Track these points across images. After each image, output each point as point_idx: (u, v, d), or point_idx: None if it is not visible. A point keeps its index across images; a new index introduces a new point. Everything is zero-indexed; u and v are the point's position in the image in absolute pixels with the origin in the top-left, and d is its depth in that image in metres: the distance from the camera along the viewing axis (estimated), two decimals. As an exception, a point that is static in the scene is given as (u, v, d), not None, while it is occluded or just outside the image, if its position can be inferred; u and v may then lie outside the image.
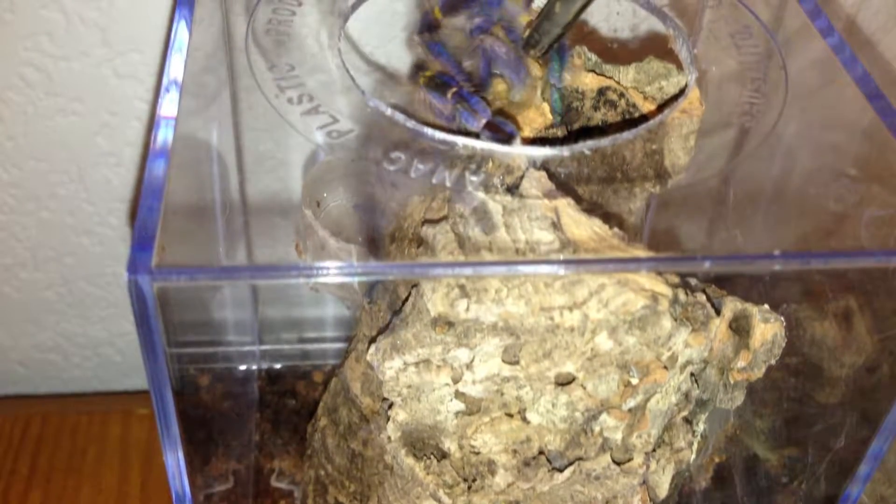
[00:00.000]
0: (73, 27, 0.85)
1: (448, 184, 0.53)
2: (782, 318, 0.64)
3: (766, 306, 0.64)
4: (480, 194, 0.57)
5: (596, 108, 0.64)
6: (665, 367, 0.57)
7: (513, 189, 0.57)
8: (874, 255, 0.50)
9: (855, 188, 0.59)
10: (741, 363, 0.63)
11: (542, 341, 0.56)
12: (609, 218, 0.57)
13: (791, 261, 0.48)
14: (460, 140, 0.54)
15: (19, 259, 0.99)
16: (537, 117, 0.61)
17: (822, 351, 0.69)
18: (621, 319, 0.55)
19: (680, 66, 0.65)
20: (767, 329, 0.63)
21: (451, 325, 0.58)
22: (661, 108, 0.64)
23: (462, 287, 0.57)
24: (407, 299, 0.61)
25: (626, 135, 0.55)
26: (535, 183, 0.57)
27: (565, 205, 0.56)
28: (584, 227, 0.56)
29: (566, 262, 0.50)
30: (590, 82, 0.64)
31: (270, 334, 0.96)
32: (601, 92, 0.64)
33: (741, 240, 0.70)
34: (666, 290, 0.56)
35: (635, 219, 0.65)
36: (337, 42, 0.59)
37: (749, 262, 0.50)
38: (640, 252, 0.57)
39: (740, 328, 0.64)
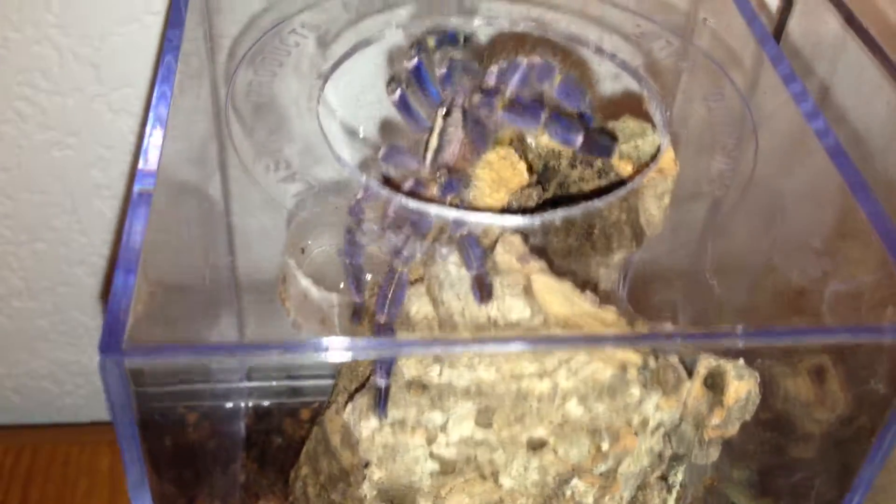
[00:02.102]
0: (66, 63, 0.85)
1: (419, 256, 0.54)
2: (756, 375, 0.64)
3: (741, 361, 0.65)
4: (454, 259, 0.58)
5: (573, 167, 0.65)
6: (635, 434, 0.58)
7: (486, 253, 0.58)
8: (836, 331, 0.50)
9: (819, 261, 0.60)
10: (715, 420, 0.64)
11: (513, 406, 0.57)
12: (581, 282, 0.57)
13: (754, 339, 0.49)
14: (433, 209, 0.54)
15: (14, 289, 1.00)
16: (513, 176, 0.62)
17: (796, 407, 0.69)
18: (591, 387, 0.56)
19: (654, 126, 0.65)
20: (741, 386, 0.63)
21: (425, 387, 0.59)
22: (637, 167, 0.64)
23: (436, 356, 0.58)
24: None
25: (598, 202, 0.56)
26: (508, 247, 0.58)
27: (538, 270, 0.57)
28: (555, 294, 0.56)
29: (535, 341, 0.51)
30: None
31: (258, 371, 0.97)
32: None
33: (717, 291, 0.70)
34: (635, 358, 0.57)
35: (613, 274, 0.65)
36: (315, 105, 0.59)
37: (714, 340, 0.51)
38: (611, 316, 0.57)
39: (715, 385, 0.64)
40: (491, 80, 0.61)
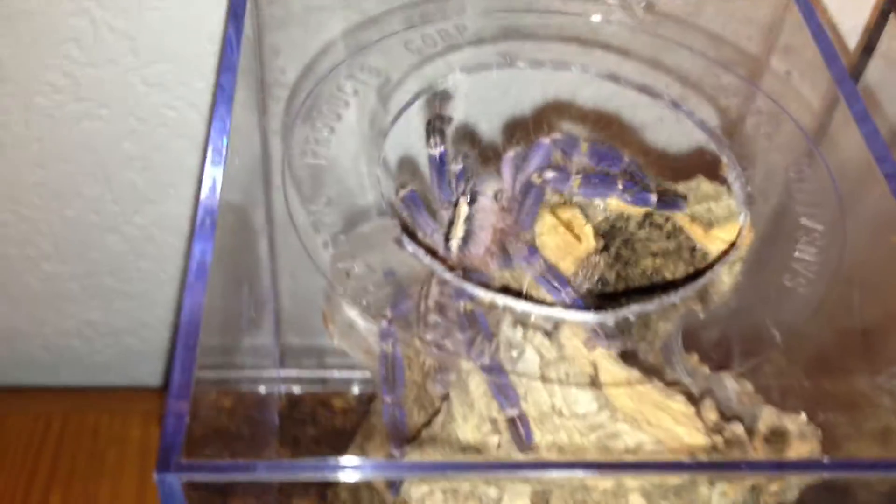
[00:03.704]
0: (101, 36, 0.83)
1: (486, 361, 0.52)
2: (819, 433, 0.63)
3: (804, 417, 0.64)
4: (519, 338, 0.56)
5: (641, 227, 0.63)
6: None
7: (551, 333, 0.56)
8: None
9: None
10: (774, 487, 0.63)
11: (573, 492, 0.56)
12: (649, 370, 0.56)
13: (838, 470, 0.48)
14: (500, 300, 0.53)
15: (44, 253, 0.99)
16: (580, 242, 0.60)
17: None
18: (656, 485, 0.55)
19: (729, 189, 0.63)
20: (803, 446, 0.63)
21: (480, 451, 0.58)
22: (707, 229, 0.62)
23: (494, 421, 0.57)
24: (436, 414, 0.61)
25: (673, 297, 0.54)
26: (575, 330, 0.57)
27: (603, 357, 0.56)
28: (622, 384, 0.55)
29: (600, 467, 0.49)
30: (636, 208, 0.62)
31: (292, 359, 0.97)
32: (647, 216, 0.63)
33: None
34: (704, 443, 0.56)
35: (669, 338, 0.64)
36: (376, 170, 0.57)
37: (792, 471, 0.50)
38: (680, 406, 0.56)
39: (776, 443, 0.63)
40: (507, 166, 0.62)
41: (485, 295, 0.54)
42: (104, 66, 0.85)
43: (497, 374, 0.54)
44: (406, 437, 0.61)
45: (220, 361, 0.73)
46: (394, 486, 0.62)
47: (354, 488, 0.71)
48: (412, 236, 0.59)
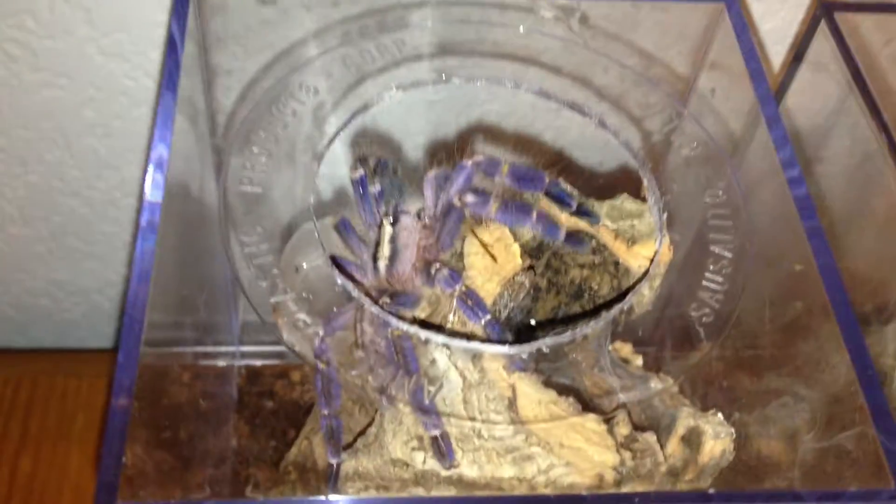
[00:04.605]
0: (56, 7, 0.84)
1: (406, 396, 0.55)
2: (732, 432, 0.67)
3: (720, 417, 0.67)
4: (445, 361, 0.59)
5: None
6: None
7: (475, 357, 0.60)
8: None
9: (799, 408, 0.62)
10: (689, 476, 0.67)
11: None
12: (567, 388, 0.59)
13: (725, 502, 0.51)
14: (423, 333, 0.56)
15: (8, 216, 1.01)
16: (507, 261, 0.62)
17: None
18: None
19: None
20: (717, 445, 0.66)
21: (408, 465, 0.61)
22: (630, 246, 0.65)
23: (420, 439, 0.60)
24: (370, 425, 0.65)
25: (586, 329, 0.57)
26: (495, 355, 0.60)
27: (521, 380, 0.59)
28: (537, 406, 0.58)
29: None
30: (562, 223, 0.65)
31: (250, 335, 0.99)
32: (574, 233, 0.65)
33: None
34: (612, 460, 0.60)
35: (599, 338, 0.67)
36: (309, 199, 0.60)
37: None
38: (593, 424, 0.60)
39: (691, 443, 0.67)
40: (429, 185, 0.65)
41: (408, 328, 0.56)
42: (61, 36, 0.86)
43: (419, 404, 0.57)
44: (342, 445, 0.64)
45: (176, 337, 0.76)
46: (331, 481, 0.65)
47: (301, 464, 0.74)
48: (341, 269, 0.61)
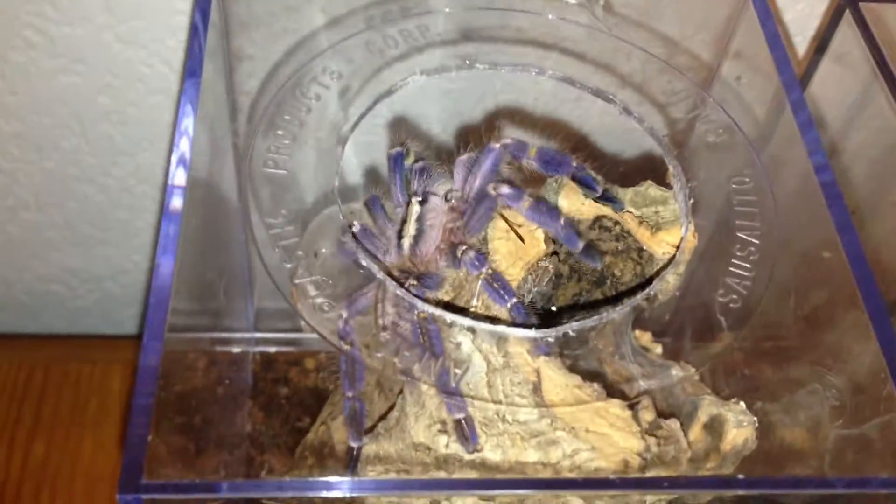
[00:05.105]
0: (74, -7, 0.83)
1: (432, 378, 0.55)
2: (755, 420, 0.67)
3: (742, 405, 0.67)
4: (469, 345, 0.59)
5: (591, 229, 0.65)
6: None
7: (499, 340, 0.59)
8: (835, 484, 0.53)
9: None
10: (711, 464, 0.67)
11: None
12: (592, 374, 0.59)
13: (753, 488, 0.51)
14: (449, 316, 0.56)
15: (22, 202, 1.01)
16: (531, 246, 0.63)
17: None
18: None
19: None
20: (739, 434, 0.66)
21: (430, 449, 0.61)
22: (654, 233, 0.65)
23: (443, 422, 0.60)
24: (392, 409, 0.65)
25: (613, 314, 0.57)
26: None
27: (546, 364, 0.59)
28: (563, 391, 0.58)
29: (540, 484, 0.53)
30: (586, 211, 0.65)
31: (265, 322, 0.99)
32: (597, 219, 0.65)
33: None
34: (637, 446, 0.60)
35: (620, 325, 0.67)
36: (334, 183, 0.60)
37: (713, 488, 0.53)
38: (617, 409, 0.60)
39: (714, 431, 0.67)
40: (460, 168, 0.65)
41: (433, 310, 0.56)
42: (79, 23, 0.86)
43: (444, 386, 0.57)
44: (364, 429, 0.64)
45: (194, 324, 0.76)
46: (351, 464, 0.65)
47: (320, 451, 0.74)
48: (367, 253, 0.62)
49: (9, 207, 1.01)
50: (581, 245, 0.63)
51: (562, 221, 0.62)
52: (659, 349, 0.76)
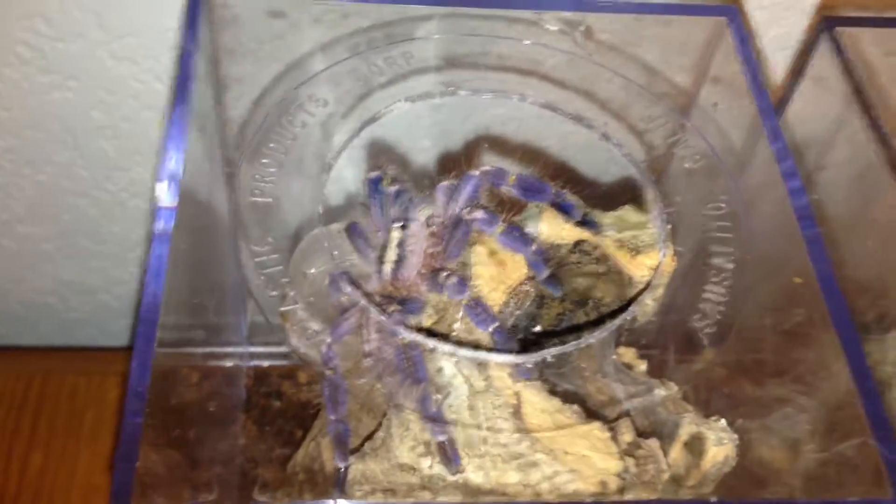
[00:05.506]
0: (67, 10, 0.85)
1: (413, 404, 0.57)
2: (735, 438, 0.68)
3: (723, 423, 0.69)
4: (451, 369, 0.61)
5: (572, 252, 0.67)
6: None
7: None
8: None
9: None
10: (691, 482, 0.68)
11: (498, 507, 0.61)
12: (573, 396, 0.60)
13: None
14: (430, 343, 0.57)
15: (17, 215, 1.02)
16: (513, 270, 0.64)
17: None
18: (572, 505, 0.60)
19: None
20: (719, 452, 0.68)
21: (415, 470, 0.63)
22: (633, 256, 0.66)
23: (427, 444, 0.62)
24: (378, 428, 0.66)
25: (590, 339, 0.58)
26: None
27: (526, 388, 0.60)
28: (541, 415, 0.60)
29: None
30: (567, 235, 0.66)
31: (258, 337, 1.01)
32: (578, 243, 0.67)
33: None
34: (616, 466, 0.61)
35: (602, 345, 0.68)
36: (318, 209, 0.61)
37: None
38: (597, 431, 0.61)
39: (694, 449, 0.68)
40: (441, 194, 0.66)
41: (415, 337, 0.58)
42: (72, 40, 0.87)
43: (426, 411, 0.58)
44: (349, 450, 0.66)
45: (187, 338, 0.78)
46: (338, 484, 0.66)
47: (309, 468, 0.76)
48: (350, 280, 0.63)
49: (3, 221, 1.02)
50: (546, 273, 0.64)
51: (533, 248, 0.63)
52: (643, 366, 0.77)
